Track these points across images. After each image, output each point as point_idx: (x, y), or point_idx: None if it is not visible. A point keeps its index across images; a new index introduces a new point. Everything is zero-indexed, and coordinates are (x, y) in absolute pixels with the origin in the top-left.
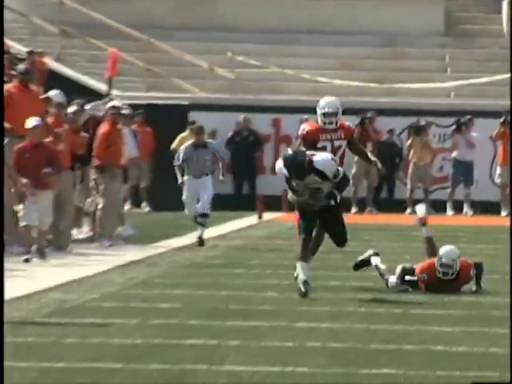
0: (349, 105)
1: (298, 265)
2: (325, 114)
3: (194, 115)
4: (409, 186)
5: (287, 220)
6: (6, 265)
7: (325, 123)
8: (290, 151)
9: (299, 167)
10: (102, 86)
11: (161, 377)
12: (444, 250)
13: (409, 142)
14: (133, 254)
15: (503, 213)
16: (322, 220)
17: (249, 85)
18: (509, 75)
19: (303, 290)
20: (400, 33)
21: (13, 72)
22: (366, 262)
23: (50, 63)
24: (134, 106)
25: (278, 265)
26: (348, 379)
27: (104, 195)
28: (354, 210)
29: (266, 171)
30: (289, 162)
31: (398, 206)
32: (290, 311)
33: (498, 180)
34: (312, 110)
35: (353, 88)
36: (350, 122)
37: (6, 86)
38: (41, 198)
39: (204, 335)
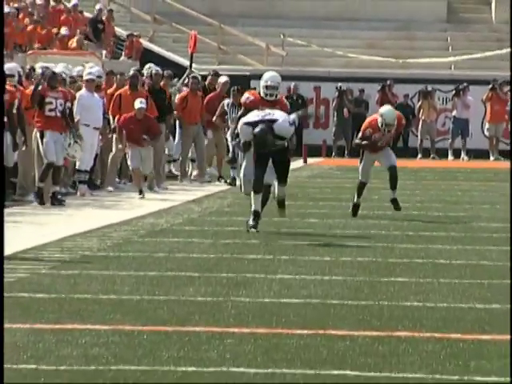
0: (373, 75)
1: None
2: (267, 87)
3: (254, 83)
4: (419, 138)
5: (325, 164)
6: (112, 198)
7: (266, 95)
8: (258, 129)
9: (266, 146)
10: (184, 61)
11: (229, 283)
12: (386, 112)
13: (419, 103)
14: (208, 189)
15: (491, 158)
16: (274, 159)
17: (296, 60)
18: (497, 52)
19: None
20: (412, 20)
21: (119, 76)
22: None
23: (145, 43)
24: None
25: (318, 198)
26: (371, 286)
27: (181, 146)
28: None
29: (309, 126)
30: (257, 141)
31: (411, 153)
32: (327, 233)
33: (487, 133)
34: (344, 80)
35: (375, 62)
36: (373, 88)
37: (119, 91)
38: (143, 152)
39: (262, 251)
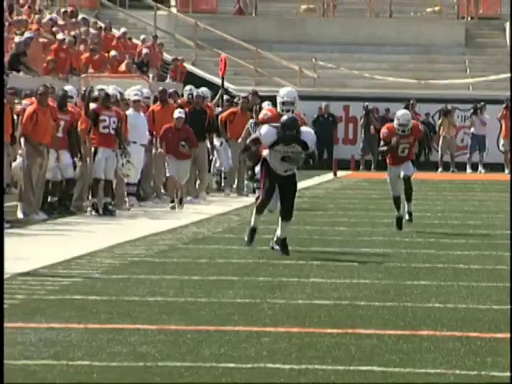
0: (397, 95)
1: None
2: (283, 103)
3: None
4: (439, 152)
5: (353, 177)
6: (157, 209)
7: (282, 110)
8: (287, 118)
9: (291, 134)
10: (225, 83)
11: (265, 286)
12: (400, 113)
13: (439, 121)
14: (247, 199)
15: (506, 171)
16: (283, 186)
17: (327, 81)
18: (508, 74)
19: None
20: (433, 44)
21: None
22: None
23: (188, 67)
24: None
25: (347, 208)
26: (396, 288)
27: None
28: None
29: (339, 142)
30: (287, 127)
31: (433, 167)
32: (356, 240)
33: (502, 148)
34: (370, 100)
35: (399, 83)
36: (398, 107)
37: (152, 107)
38: (181, 164)
39: (295, 257)
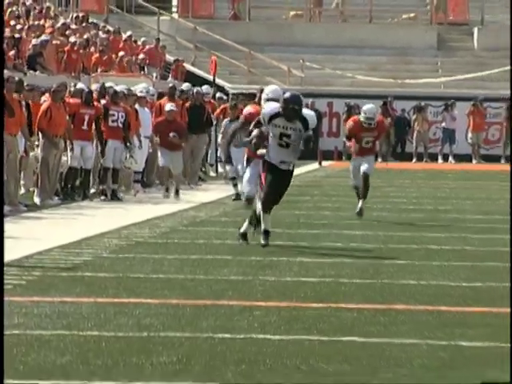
0: (376, 93)
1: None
2: (269, 100)
3: None
4: (414, 145)
5: (337, 166)
6: (160, 194)
7: None
8: (289, 94)
9: (294, 108)
10: (220, 81)
11: (257, 264)
12: (366, 107)
13: (414, 116)
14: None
15: (474, 161)
16: (277, 179)
17: (313, 80)
18: (478, 74)
19: (262, 242)
20: (408, 47)
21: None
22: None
23: (188, 67)
24: (238, 94)
25: (331, 194)
26: (375, 267)
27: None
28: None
29: (323, 135)
30: (289, 102)
31: (408, 157)
32: (339, 223)
33: (469, 141)
34: (352, 97)
35: (378, 82)
36: (376, 104)
37: (159, 101)
38: (173, 155)
39: (284, 238)
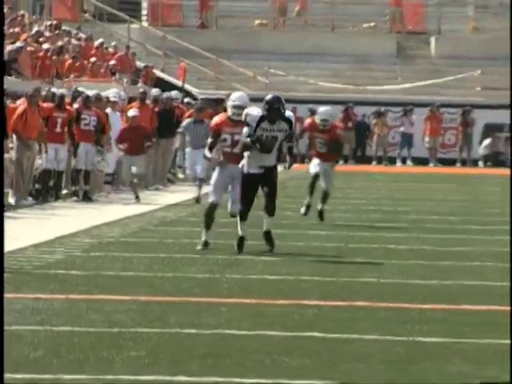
0: (337, 99)
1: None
2: (234, 106)
3: None
4: (374, 148)
5: (301, 169)
6: (131, 195)
7: (233, 114)
8: (270, 96)
9: (278, 108)
10: (188, 87)
11: (223, 263)
12: (321, 109)
13: (374, 121)
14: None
15: (431, 164)
16: (265, 181)
17: (277, 86)
18: (435, 81)
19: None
20: (369, 55)
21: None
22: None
23: (157, 73)
24: (208, 99)
25: (294, 195)
26: (336, 265)
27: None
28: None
29: None
30: (273, 102)
31: (368, 160)
32: (301, 223)
33: (427, 145)
34: (315, 102)
35: (340, 88)
36: (338, 109)
37: (131, 104)
38: (135, 160)
39: (249, 238)
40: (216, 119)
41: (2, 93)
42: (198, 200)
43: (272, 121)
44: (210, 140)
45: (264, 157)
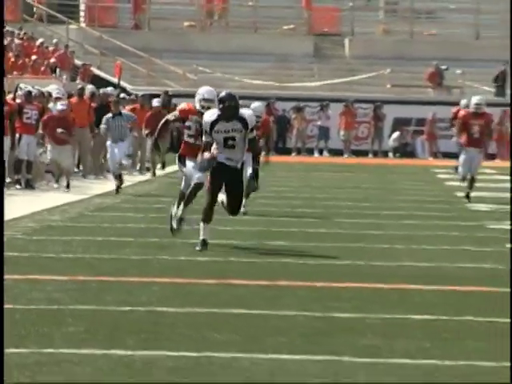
0: (260, 95)
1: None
2: (205, 100)
3: (175, 100)
4: (293, 140)
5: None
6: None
7: (203, 107)
8: (224, 93)
9: (232, 108)
10: (123, 83)
11: (155, 245)
12: (253, 105)
13: (293, 116)
14: (141, 177)
15: (345, 155)
16: (229, 181)
17: (204, 83)
18: (349, 79)
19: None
20: (289, 54)
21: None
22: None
23: (94, 70)
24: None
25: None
26: (260, 248)
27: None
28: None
29: None
30: (225, 100)
31: (288, 151)
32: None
33: (342, 137)
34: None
35: (262, 85)
36: (260, 104)
37: (71, 99)
38: (61, 149)
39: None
40: (184, 105)
41: (1, 93)
42: (118, 189)
43: (227, 118)
44: (172, 118)
45: (229, 151)
